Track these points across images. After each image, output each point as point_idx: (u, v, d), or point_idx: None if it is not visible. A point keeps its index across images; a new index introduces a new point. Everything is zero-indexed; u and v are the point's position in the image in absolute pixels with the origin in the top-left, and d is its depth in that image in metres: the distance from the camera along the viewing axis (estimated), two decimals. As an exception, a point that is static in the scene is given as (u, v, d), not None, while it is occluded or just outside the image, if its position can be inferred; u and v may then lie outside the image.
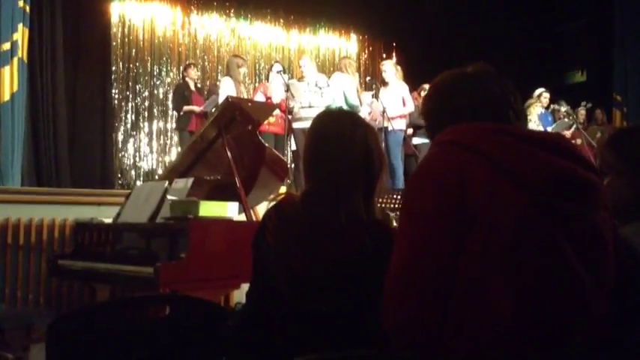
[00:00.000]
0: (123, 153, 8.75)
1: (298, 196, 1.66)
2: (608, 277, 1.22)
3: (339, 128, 1.65)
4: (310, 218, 1.58)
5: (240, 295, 4.55)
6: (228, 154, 3.37)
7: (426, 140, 7.47)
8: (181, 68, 8.32)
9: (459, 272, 1.16)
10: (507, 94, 1.34)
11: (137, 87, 8.91)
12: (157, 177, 8.13)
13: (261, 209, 4.14)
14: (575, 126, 8.19)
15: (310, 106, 6.50)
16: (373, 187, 1.65)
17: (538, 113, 8.04)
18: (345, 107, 6.50)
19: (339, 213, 1.56)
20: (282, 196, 1.77)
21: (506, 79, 1.38)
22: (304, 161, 1.70)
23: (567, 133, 8.27)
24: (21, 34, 5.72)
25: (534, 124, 7.94)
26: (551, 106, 8.39)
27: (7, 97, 5.54)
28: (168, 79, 9.12)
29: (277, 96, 6.79)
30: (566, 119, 8.19)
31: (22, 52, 5.77)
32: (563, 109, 8.24)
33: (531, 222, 1.16)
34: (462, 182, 1.17)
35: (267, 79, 7.62)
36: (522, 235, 1.15)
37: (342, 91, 6.57)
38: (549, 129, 8.07)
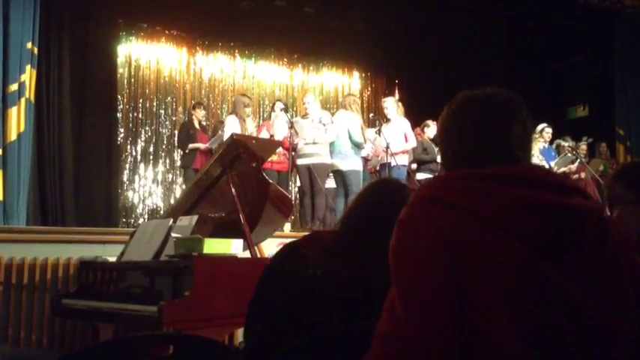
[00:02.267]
0: (128, 191, 8.79)
1: (326, 232, 1.74)
2: (626, 302, 1.17)
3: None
4: (355, 245, 1.65)
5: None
6: (233, 190, 3.38)
7: (430, 175, 7.50)
8: (187, 107, 8.43)
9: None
10: (508, 129, 1.28)
11: (142, 126, 9.01)
12: (161, 215, 8.14)
13: (266, 246, 4.12)
14: (579, 160, 8.22)
15: (314, 143, 6.54)
16: None
17: (540, 148, 8.07)
18: (349, 144, 6.54)
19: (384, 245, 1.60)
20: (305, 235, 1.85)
21: (517, 105, 1.33)
22: (352, 215, 1.78)
23: (572, 167, 8.30)
24: (29, 76, 5.82)
25: (537, 158, 7.96)
26: (555, 141, 8.44)
27: (14, 136, 5.60)
28: (174, 118, 9.23)
29: (280, 133, 6.84)
30: (569, 154, 8.22)
31: (30, 93, 5.85)
32: (567, 144, 8.27)
33: (521, 267, 1.11)
34: (445, 242, 1.12)
35: (270, 117, 7.70)
36: (518, 281, 1.10)
37: (346, 128, 6.61)
38: (552, 164, 8.10)
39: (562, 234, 1.13)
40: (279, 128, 6.91)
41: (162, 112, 9.21)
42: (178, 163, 8.53)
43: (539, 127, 8.19)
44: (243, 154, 3.49)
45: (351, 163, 6.54)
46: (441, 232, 1.12)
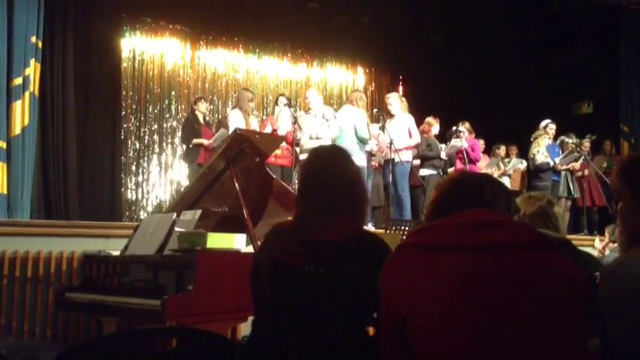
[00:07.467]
0: (131, 185, 8.81)
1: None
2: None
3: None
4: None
5: (247, 328, 4.51)
6: (237, 185, 3.38)
7: (434, 172, 7.47)
8: (191, 102, 8.42)
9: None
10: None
11: (146, 120, 9.01)
12: (165, 209, 8.14)
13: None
14: (583, 157, 8.19)
15: (318, 138, 6.53)
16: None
17: (545, 145, 8.05)
18: (354, 140, 6.53)
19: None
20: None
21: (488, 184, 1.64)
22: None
23: (576, 165, 8.27)
24: (33, 69, 5.81)
25: (542, 155, 7.94)
26: (559, 137, 8.41)
27: (18, 130, 5.60)
28: (178, 113, 9.23)
29: (284, 128, 6.83)
30: (575, 152, 8.19)
31: (34, 86, 5.85)
32: (571, 141, 8.24)
33: (459, 280, 1.36)
34: (391, 273, 1.48)
35: (273, 112, 7.69)
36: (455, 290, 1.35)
37: (352, 124, 6.58)
38: (557, 160, 8.07)
39: (487, 240, 1.40)
40: (282, 123, 6.90)
41: (165, 106, 9.21)
42: (182, 158, 8.53)
43: (543, 123, 8.16)
44: (247, 149, 3.48)
45: (355, 158, 6.49)
46: (389, 271, 1.50)
